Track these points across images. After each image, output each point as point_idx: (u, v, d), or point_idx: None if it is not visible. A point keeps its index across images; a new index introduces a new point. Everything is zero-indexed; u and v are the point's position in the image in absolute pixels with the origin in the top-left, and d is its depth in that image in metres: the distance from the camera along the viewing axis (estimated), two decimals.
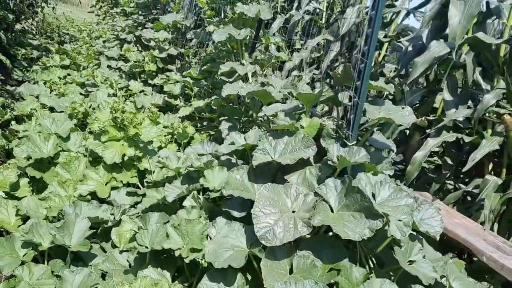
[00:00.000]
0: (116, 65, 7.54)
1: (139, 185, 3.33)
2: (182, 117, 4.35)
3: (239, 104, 3.87)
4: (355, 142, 2.49)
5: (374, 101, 2.67)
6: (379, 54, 5.50)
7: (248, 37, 3.84)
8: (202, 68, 5.49)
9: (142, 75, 6.21)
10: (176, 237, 2.46)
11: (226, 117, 3.96)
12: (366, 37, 2.33)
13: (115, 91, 5.88)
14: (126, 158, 3.25)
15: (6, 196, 3.25)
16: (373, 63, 5.52)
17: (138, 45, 7.80)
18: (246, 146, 2.83)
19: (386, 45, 5.36)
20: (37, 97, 5.36)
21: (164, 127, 4.04)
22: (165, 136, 3.93)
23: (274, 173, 2.71)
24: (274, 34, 4.97)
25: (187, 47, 6.33)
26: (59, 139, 3.72)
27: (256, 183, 2.63)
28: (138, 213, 2.99)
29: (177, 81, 5.43)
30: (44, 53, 8.00)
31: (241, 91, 3.22)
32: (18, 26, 7.85)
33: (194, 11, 6.47)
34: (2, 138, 4.01)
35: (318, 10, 6.30)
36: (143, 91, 5.87)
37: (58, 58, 7.12)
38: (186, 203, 2.84)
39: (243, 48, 3.95)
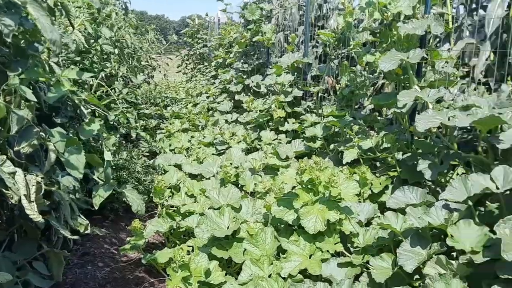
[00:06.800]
0: (232, 118, 7.38)
1: (345, 252, 2.86)
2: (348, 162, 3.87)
3: (426, 138, 3.32)
4: None
5: None
6: None
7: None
8: (341, 104, 5.07)
9: (270, 123, 5.91)
10: None
11: (409, 155, 3.43)
12: None
13: (249, 145, 5.61)
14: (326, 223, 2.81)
15: (202, 286, 2.95)
16: None
17: (249, 94, 7.61)
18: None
19: None
20: (177, 166, 5.23)
21: None
22: None
23: None
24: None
25: (310, 85, 5.97)
26: (233, 211, 3.41)
27: None
28: None
29: (316, 123, 5.02)
30: (160, 120, 8.10)
31: (449, 122, 2.68)
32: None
33: (312, 46, 6.15)
34: (167, 218, 3.80)
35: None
36: (276, 139, 5.54)
37: (179, 123, 7.11)
38: (428, 270, 2.30)
39: (412, 72, 3.44)
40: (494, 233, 2.10)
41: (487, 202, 2.55)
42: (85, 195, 2.99)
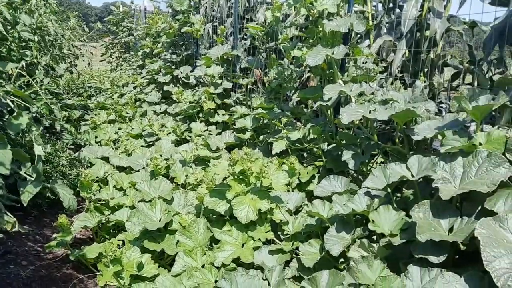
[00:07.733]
0: (160, 109, 7.26)
1: (275, 240, 2.98)
2: (278, 153, 4.00)
3: (349, 129, 3.53)
4: None
5: None
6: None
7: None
8: (270, 96, 5.19)
9: (200, 115, 5.91)
10: None
11: (334, 146, 3.63)
12: None
13: (178, 137, 5.57)
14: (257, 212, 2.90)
15: (135, 279, 2.93)
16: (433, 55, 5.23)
17: (178, 85, 7.52)
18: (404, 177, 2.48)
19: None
20: (104, 159, 5.08)
21: None
22: None
23: (456, 202, 2.35)
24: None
25: (239, 77, 6.04)
26: (165, 203, 3.40)
27: (443, 219, 2.27)
28: (294, 274, 2.63)
29: (246, 114, 5.11)
30: (83, 111, 7.76)
31: (370, 114, 2.88)
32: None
33: (241, 38, 6.20)
34: (96, 212, 3.70)
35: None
36: (206, 130, 5.56)
37: (105, 114, 6.86)
38: (352, 254, 2.48)
39: (336, 67, 3.62)
40: (410, 217, 2.31)
41: (403, 188, 2.79)
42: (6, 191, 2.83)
